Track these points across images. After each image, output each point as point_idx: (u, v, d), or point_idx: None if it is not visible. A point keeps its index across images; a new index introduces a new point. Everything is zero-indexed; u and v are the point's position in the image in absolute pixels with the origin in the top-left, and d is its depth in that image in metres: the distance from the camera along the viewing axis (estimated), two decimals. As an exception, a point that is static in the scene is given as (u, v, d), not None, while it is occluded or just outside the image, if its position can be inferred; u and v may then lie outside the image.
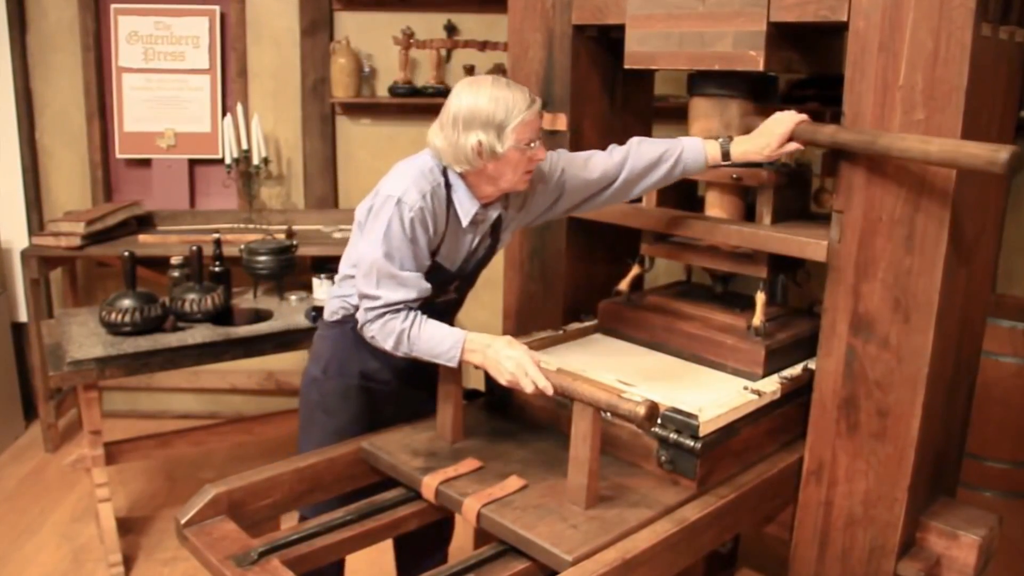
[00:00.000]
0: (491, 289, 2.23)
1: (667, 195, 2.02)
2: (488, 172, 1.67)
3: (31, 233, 3.65)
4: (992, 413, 2.70)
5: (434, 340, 1.66)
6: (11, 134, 3.65)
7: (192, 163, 3.76)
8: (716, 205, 1.96)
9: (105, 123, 3.71)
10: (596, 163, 1.84)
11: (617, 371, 1.85)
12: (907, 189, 1.56)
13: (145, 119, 3.70)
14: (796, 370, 1.87)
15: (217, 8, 3.64)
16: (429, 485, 1.60)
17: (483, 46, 3.62)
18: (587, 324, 2.16)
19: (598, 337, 2.13)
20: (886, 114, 1.56)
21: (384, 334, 1.69)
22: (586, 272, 2.24)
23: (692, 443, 1.55)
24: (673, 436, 1.57)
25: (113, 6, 3.62)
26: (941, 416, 1.74)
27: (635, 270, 2.12)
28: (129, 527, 2.95)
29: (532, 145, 1.65)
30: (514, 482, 1.59)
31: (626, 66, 1.94)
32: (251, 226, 3.57)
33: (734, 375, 1.86)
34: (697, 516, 1.54)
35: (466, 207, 1.73)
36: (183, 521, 1.52)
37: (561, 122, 2.11)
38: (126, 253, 2.70)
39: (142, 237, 3.44)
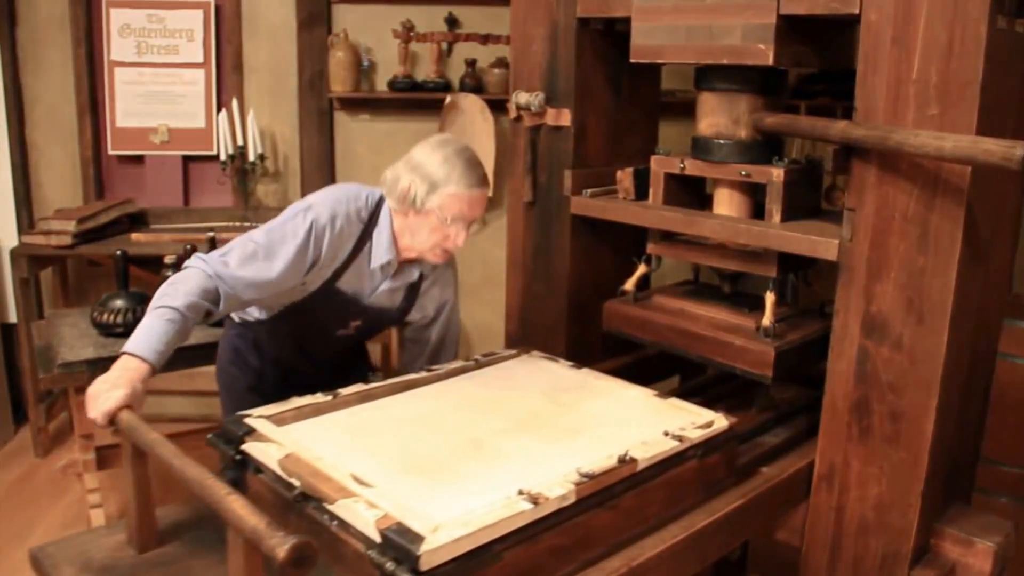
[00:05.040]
0: (493, 288, 2.19)
1: (674, 192, 1.98)
2: (408, 222, 1.79)
3: (21, 231, 3.60)
4: (1008, 417, 2.65)
5: (145, 330, 1.62)
6: (0, 130, 3.60)
7: (186, 160, 3.72)
8: (724, 203, 1.93)
9: (97, 119, 3.66)
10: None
11: (406, 448, 1.47)
12: (921, 186, 1.52)
13: (138, 114, 3.65)
14: (610, 459, 1.40)
15: (212, 0, 3.60)
16: None
17: (485, 39, 3.58)
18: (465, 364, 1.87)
19: (473, 384, 1.79)
20: (899, 109, 1.53)
21: (178, 276, 1.68)
22: (591, 271, 2.20)
23: None
24: (390, 566, 1.16)
25: (105, -1, 3.58)
26: (956, 420, 1.71)
27: (641, 269, 2.08)
28: (122, 531, 2.92)
29: (450, 222, 1.74)
30: None
31: (632, 60, 1.90)
32: (247, 224, 3.53)
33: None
34: None
35: (380, 251, 1.82)
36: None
37: (565, 117, 2.07)
38: (118, 252, 2.66)
39: (135, 235, 3.41)
